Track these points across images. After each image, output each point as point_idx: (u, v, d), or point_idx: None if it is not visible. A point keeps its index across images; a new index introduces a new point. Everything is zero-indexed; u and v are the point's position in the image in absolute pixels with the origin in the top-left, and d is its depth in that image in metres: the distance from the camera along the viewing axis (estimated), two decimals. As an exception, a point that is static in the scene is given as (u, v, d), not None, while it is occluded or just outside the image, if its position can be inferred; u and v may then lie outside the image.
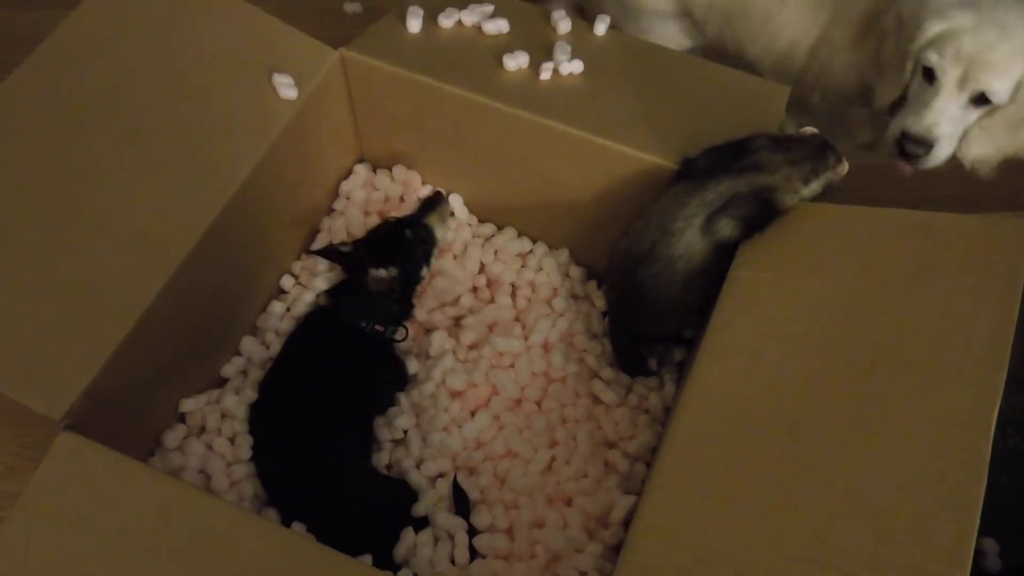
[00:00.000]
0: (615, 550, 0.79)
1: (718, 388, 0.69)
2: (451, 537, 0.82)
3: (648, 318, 0.88)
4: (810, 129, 0.85)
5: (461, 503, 0.84)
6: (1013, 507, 0.84)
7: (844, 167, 0.82)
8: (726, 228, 0.80)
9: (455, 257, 1.03)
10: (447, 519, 0.82)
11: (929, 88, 0.89)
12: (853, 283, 0.71)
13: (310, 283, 0.97)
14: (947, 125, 0.89)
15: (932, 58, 0.87)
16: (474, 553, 0.81)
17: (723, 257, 0.80)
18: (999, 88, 0.86)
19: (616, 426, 0.90)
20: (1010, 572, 0.82)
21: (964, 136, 0.92)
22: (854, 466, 0.60)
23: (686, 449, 0.67)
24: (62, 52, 0.82)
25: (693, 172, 0.84)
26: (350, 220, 1.02)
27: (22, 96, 0.80)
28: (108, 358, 0.69)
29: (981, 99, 0.88)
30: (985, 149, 0.92)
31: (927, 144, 0.90)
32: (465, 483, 0.86)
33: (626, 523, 0.80)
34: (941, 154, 0.91)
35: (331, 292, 0.93)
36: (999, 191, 1.08)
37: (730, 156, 0.83)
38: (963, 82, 0.87)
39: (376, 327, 0.90)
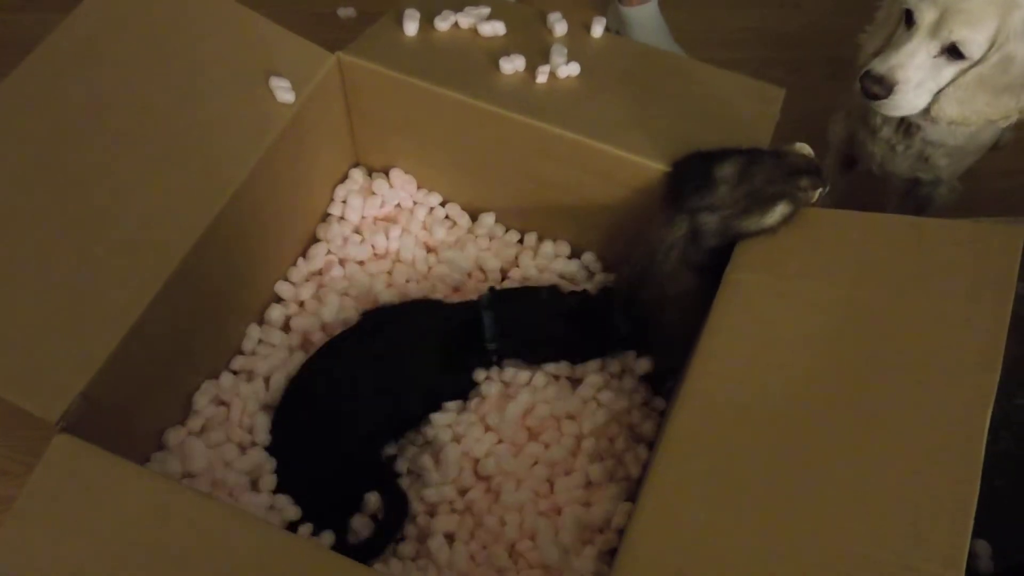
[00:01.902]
0: (610, 554, 0.79)
1: (714, 390, 0.69)
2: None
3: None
4: (804, 148, 0.83)
5: (396, 505, 0.84)
6: (1007, 510, 0.84)
7: (815, 196, 0.80)
8: (695, 256, 0.82)
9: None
10: None
11: (906, 32, 0.87)
12: (847, 287, 0.71)
13: (308, 289, 0.98)
14: (913, 71, 0.86)
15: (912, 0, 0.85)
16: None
17: (712, 282, 0.80)
18: (970, 39, 0.83)
19: (610, 429, 0.90)
20: (1003, 574, 0.82)
21: (939, 94, 0.88)
22: (849, 467, 0.61)
23: (682, 451, 0.67)
24: (59, 55, 0.82)
25: (675, 184, 0.84)
26: (347, 225, 1.03)
27: (19, 98, 0.79)
28: (105, 360, 0.69)
29: (954, 52, 0.85)
30: (962, 111, 0.88)
31: (886, 85, 0.87)
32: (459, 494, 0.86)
33: (619, 531, 0.80)
34: (903, 101, 0.88)
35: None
36: (991, 194, 1.09)
37: (701, 175, 0.81)
38: (936, 29, 0.84)
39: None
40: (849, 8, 1.49)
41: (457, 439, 0.88)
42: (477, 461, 0.87)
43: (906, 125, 0.96)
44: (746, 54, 1.50)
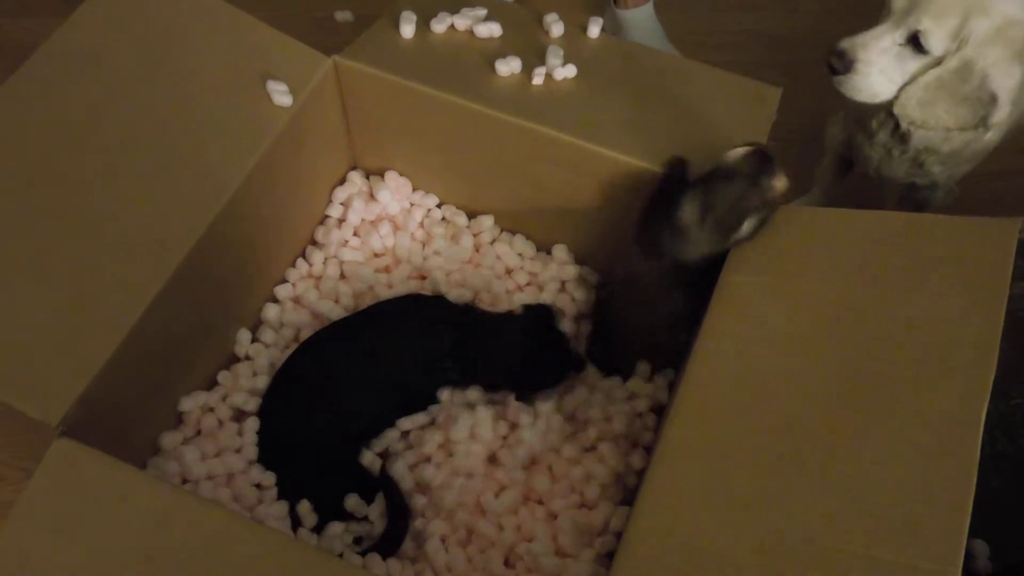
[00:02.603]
0: (608, 556, 0.79)
1: (711, 391, 0.69)
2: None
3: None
4: (737, 152, 0.81)
5: (396, 507, 0.83)
6: (1003, 510, 0.84)
7: (781, 183, 0.79)
8: (685, 277, 0.83)
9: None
10: None
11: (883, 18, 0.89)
12: (844, 285, 0.72)
13: (307, 290, 0.99)
14: (875, 54, 0.87)
15: None
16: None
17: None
18: (933, 31, 0.84)
19: (605, 430, 0.90)
20: (1000, 573, 0.82)
21: (903, 90, 0.89)
22: (846, 466, 0.61)
23: (679, 453, 0.67)
24: (56, 60, 0.82)
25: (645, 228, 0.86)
26: (346, 227, 1.03)
27: (15, 104, 0.79)
28: (104, 364, 0.69)
29: (916, 43, 0.86)
30: (922, 114, 0.89)
31: (846, 60, 0.89)
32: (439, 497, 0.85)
33: (617, 534, 0.80)
34: (863, 83, 0.89)
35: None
36: (987, 195, 1.09)
37: (668, 225, 0.82)
38: (905, 15, 0.86)
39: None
40: (846, 9, 1.50)
41: (412, 467, 0.88)
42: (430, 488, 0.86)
43: (901, 131, 0.96)
44: (742, 56, 1.50)
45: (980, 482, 0.57)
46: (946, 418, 0.60)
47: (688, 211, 0.80)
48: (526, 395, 0.91)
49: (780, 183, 0.78)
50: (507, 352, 0.90)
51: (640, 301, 0.89)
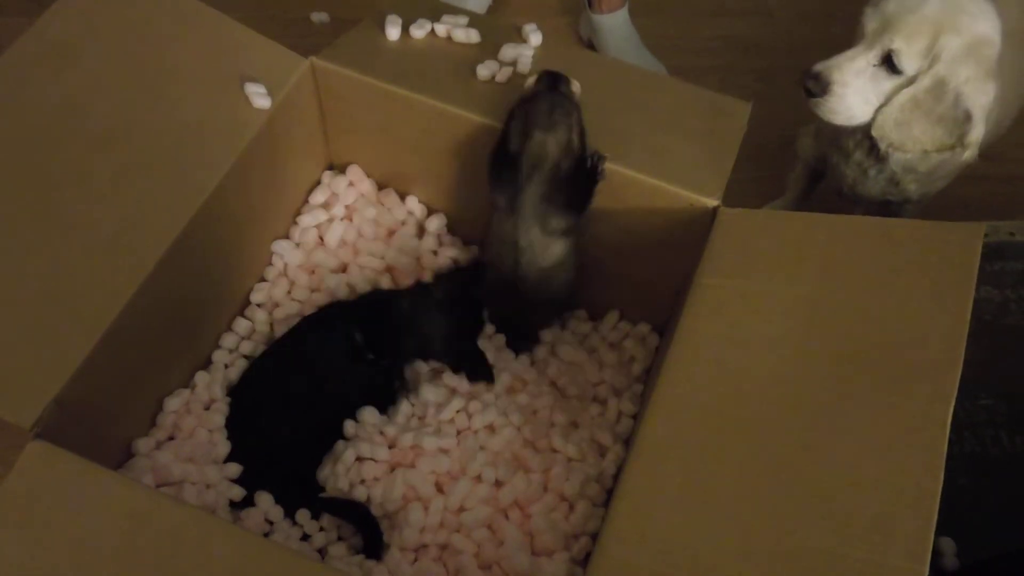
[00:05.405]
0: (585, 559, 0.80)
1: (684, 393, 0.70)
2: None
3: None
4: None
5: (371, 536, 0.82)
6: (971, 508, 0.86)
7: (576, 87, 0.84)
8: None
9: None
10: None
11: (856, 40, 0.90)
12: (815, 288, 0.73)
13: (281, 295, 0.99)
14: (850, 75, 0.89)
15: (867, 11, 0.88)
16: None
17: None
18: (904, 51, 0.86)
19: (578, 433, 0.90)
20: (967, 570, 0.84)
21: (880, 111, 0.91)
22: (817, 466, 0.62)
23: (654, 454, 0.68)
24: (28, 59, 0.82)
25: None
26: (320, 229, 1.03)
27: (-11, 103, 0.79)
28: (79, 366, 0.68)
29: (890, 63, 0.88)
30: (900, 135, 0.91)
31: (822, 83, 0.90)
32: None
33: (593, 535, 0.81)
34: (840, 105, 0.91)
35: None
36: (956, 200, 1.11)
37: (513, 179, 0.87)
38: (877, 36, 0.87)
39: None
40: (821, 16, 1.52)
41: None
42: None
43: (878, 150, 0.97)
44: (717, 61, 1.52)
45: (948, 481, 0.58)
46: (914, 418, 0.61)
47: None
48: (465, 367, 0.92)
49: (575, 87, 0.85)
50: (422, 323, 0.90)
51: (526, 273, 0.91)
